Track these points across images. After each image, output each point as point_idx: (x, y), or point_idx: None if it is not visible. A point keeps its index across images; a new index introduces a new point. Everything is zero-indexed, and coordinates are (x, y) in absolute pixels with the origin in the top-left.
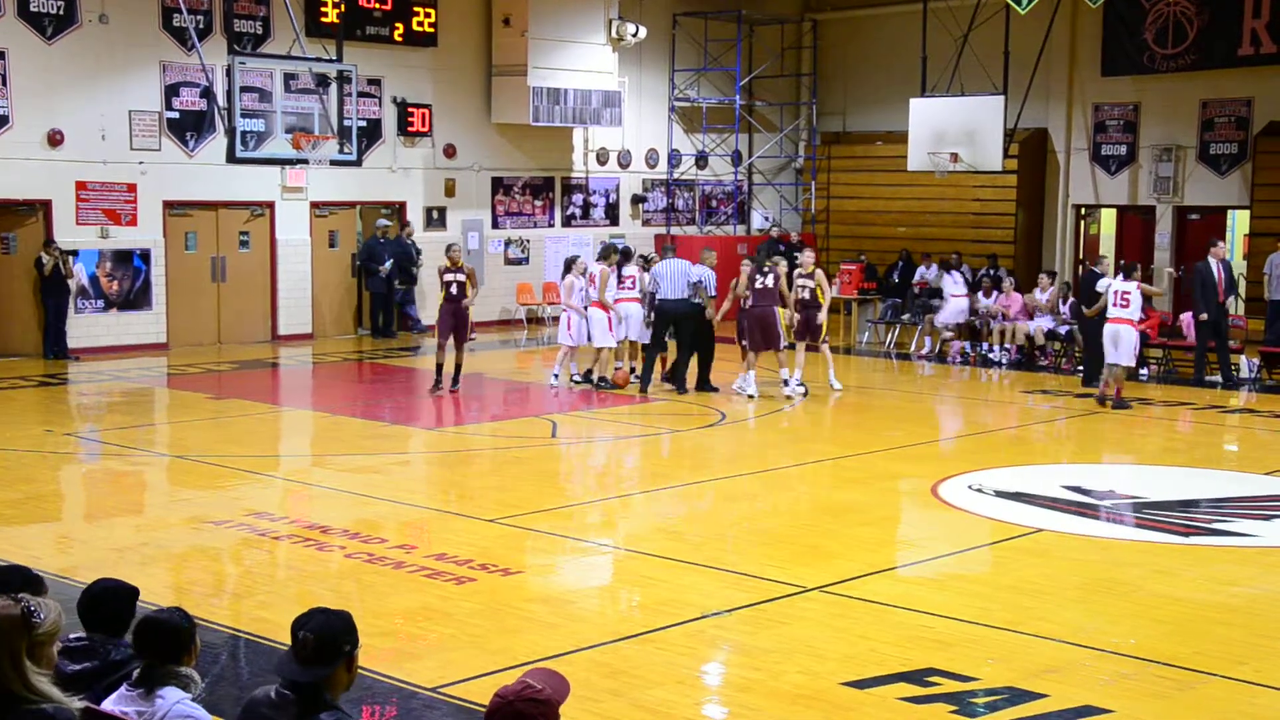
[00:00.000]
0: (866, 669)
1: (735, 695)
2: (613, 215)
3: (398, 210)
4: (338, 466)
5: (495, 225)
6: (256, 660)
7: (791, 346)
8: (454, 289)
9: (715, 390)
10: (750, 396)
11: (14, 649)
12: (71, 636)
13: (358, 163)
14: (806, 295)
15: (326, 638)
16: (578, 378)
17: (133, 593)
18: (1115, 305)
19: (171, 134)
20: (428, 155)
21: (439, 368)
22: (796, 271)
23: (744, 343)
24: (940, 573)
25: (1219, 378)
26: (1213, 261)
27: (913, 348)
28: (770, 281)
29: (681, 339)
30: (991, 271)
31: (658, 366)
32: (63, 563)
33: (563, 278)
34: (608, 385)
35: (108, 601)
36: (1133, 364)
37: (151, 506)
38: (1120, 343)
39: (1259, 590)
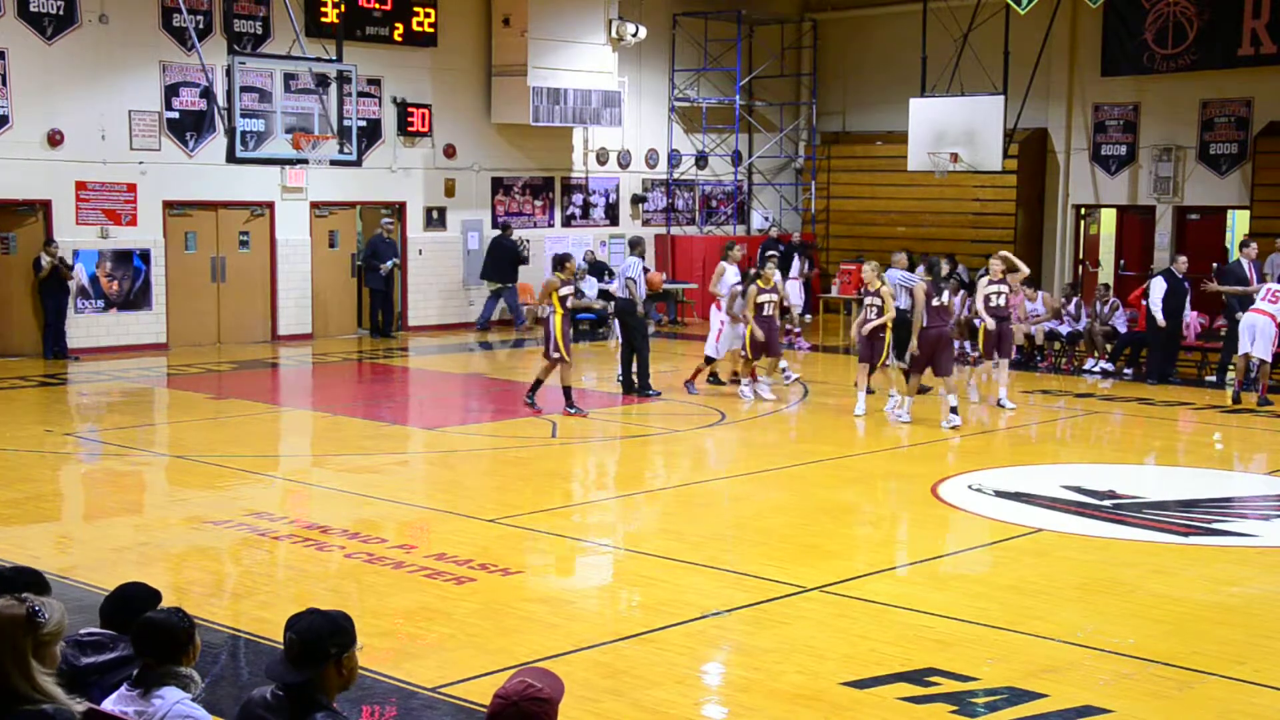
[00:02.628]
0: (866, 669)
1: (735, 695)
2: (613, 215)
3: (395, 210)
4: (338, 466)
5: (495, 225)
6: (256, 660)
7: (966, 362)
8: (568, 303)
9: (657, 394)
10: (905, 422)
11: (19, 648)
12: (84, 631)
13: (358, 163)
14: (1001, 302)
15: (311, 640)
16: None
17: (157, 596)
18: (1264, 299)
19: (171, 134)
20: (428, 155)
21: (567, 389)
22: (985, 280)
23: (902, 365)
24: (940, 573)
25: (1214, 377)
26: (1244, 262)
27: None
28: (947, 298)
29: (624, 336)
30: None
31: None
32: (63, 563)
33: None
34: (715, 381)
35: (134, 604)
36: (1269, 358)
37: (151, 506)
38: (1259, 334)
39: (1258, 590)
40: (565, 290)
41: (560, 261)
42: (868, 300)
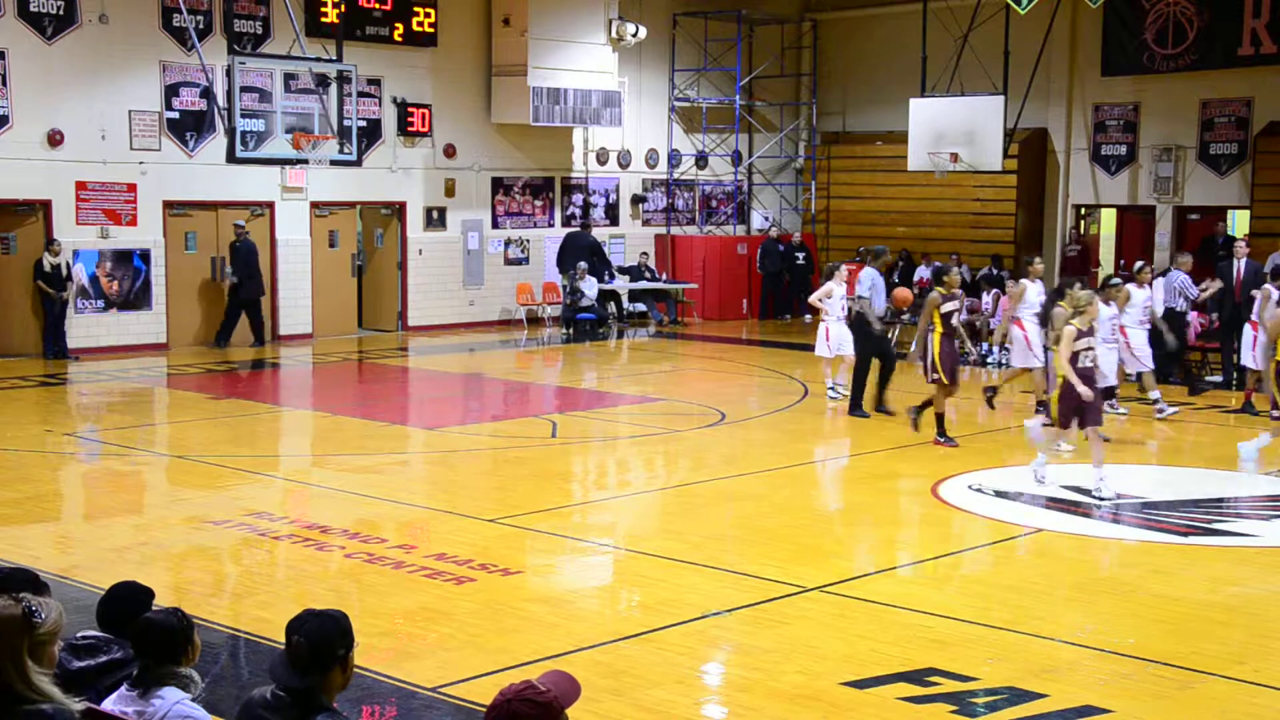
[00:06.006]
0: (866, 669)
1: (735, 695)
2: (613, 215)
3: (396, 209)
4: (338, 466)
5: (495, 225)
6: (256, 660)
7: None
8: (953, 320)
9: (865, 416)
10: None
11: (15, 648)
12: (79, 634)
13: (358, 163)
14: None
15: (320, 643)
16: (842, 389)
17: (148, 594)
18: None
19: (171, 134)
20: (428, 155)
21: (940, 416)
22: None
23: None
24: (940, 573)
25: (1217, 378)
26: (1236, 261)
27: (913, 347)
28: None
29: (856, 354)
30: (994, 272)
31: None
32: (63, 563)
33: (822, 284)
34: (992, 396)
35: (124, 603)
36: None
37: (151, 506)
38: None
39: (1258, 590)
40: (948, 306)
41: (939, 274)
42: (1084, 343)
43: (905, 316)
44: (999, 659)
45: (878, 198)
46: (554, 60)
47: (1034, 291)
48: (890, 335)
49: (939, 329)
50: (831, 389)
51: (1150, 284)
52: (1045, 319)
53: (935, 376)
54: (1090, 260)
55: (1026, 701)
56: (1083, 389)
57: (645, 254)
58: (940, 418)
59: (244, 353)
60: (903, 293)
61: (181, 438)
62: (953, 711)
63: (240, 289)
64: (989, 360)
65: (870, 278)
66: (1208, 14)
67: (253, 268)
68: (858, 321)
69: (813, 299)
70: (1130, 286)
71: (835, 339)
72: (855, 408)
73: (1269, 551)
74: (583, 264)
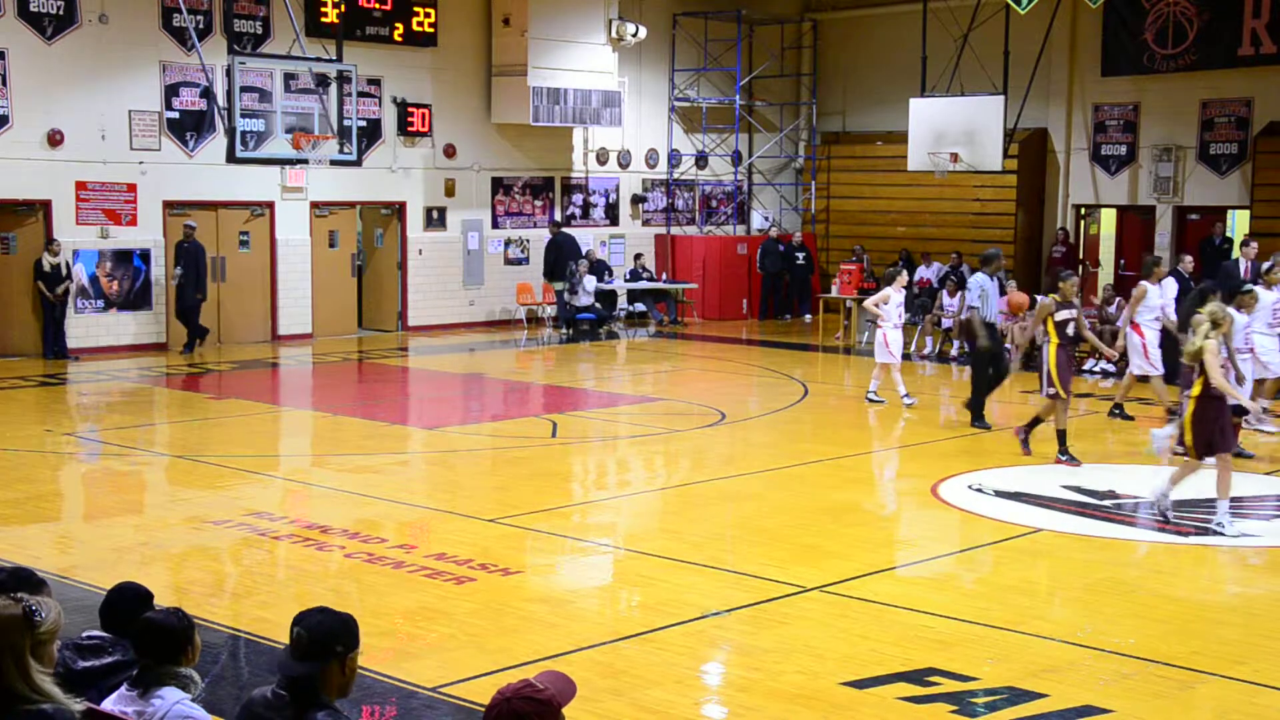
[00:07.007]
0: (866, 669)
1: (735, 695)
2: (613, 215)
3: (397, 210)
4: (338, 466)
5: (495, 225)
6: (256, 660)
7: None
8: (1069, 329)
9: (986, 428)
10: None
11: (17, 648)
12: (83, 634)
13: (358, 163)
14: None
15: (320, 635)
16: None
17: (147, 596)
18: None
19: (171, 134)
20: (428, 155)
21: (1061, 433)
22: None
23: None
24: (940, 573)
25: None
26: (1242, 261)
27: (913, 347)
28: None
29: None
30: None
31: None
32: (63, 563)
33: (879, 289)
34: (1120, 414)
35: (126, 603)
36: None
37: (151, 506)
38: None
39: (1259, 590)
40: (1062, 315)
41: (1054, 280)
42: (1209, 366)
43: (1019, 322)
44: (999, 659)
45: (878, 198)
46: (554, 60)
47: (1155, 295)
48: (1007, 347)
49: (1054, 339)
50: (875, 394)
51: (1277, 285)
52: (1184, 325)
53: (1052, 390)
54: (1091, 261)
55: (1026, 701)
56: (1250, 404)
57: (640, 255)
58: (1061, 434)
59: (244, 351)
60: (1018, 297)
61: (181, 438)
62: (953, 711)
63: (186, 291)
64: None
65: (980, 284)
66: (1208, 14)
67: (200, 270)
68: (966, 332)
69: (868, 304)
70: (1258, 288)
71: (895, 345)
72: (978, 419)
73: (1269, 551)
74: (582, 262)
